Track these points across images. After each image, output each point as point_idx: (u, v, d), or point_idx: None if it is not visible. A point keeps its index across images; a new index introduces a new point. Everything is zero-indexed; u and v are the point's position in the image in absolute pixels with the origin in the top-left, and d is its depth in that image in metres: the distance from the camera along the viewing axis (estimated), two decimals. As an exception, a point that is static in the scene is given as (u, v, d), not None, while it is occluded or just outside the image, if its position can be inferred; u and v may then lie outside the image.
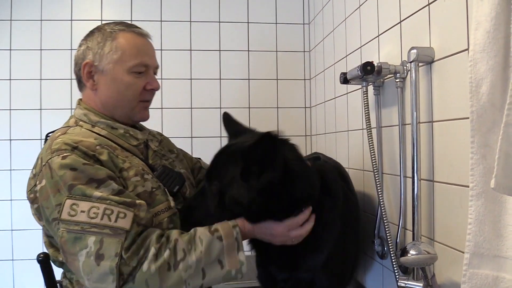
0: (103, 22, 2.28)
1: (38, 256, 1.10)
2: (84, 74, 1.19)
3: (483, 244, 0.77)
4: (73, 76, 1.27)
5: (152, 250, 0.97)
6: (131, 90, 1.20)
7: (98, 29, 1.22)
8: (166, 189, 1.18)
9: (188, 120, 2.36)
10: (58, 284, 1.18)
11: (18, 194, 2.24)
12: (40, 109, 2.28)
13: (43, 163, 1.04)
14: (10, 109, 2.26)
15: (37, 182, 1.04)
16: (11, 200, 2.25)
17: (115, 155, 1.12)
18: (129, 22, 2.30)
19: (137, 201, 1.04)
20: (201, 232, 1.03)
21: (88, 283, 0.97)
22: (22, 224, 2.25)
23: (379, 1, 1.48)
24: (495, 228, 0.76)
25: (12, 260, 2.25)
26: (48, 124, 2.26)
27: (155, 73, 1.29)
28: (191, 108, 2.37)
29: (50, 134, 1.18)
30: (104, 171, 1.04)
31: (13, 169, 2.26)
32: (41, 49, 2.28)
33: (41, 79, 2.28)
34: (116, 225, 0.97)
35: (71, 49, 2.28)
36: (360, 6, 1.66)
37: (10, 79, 2.27)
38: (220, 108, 2.39)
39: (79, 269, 0.96)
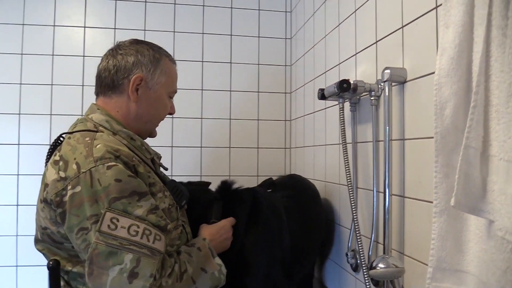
0: (86, 29, 2.30)
1: (49, 262, 1.05)
2: (133, 85, 1.18)
3: (445, 259, 0.81)
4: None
5: (169, 268, 1.03)
6: (165, 111, 1.30)
7: (145, 46, 1.24)
8: (177, 206, 1.22)
9: (168, 129, 2.37)
10: None
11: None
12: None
13: (83, 170, 1.00)
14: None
15: (69, 187, 0.99)
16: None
17: (144, 168, 1.13)
18: (112, 30, 2.33)
19: (167, 226, 1.08)
20: (186, 248, 1.16)
21: None
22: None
23: (357, 21, 1.53)
24: (456, 243, 0.80)
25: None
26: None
27: None
28: (172, 118, 2.38)
29: (64, 135, 1.16)
30: (144, 184, 1.05)
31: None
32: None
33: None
34: (154, 246, 0.99)
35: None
36: (339, 24, 1.71)
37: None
38: (201, 118, 2.41)
39: (105, 284, 0.95)
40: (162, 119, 1.31)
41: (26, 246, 2.23)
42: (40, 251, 1.14)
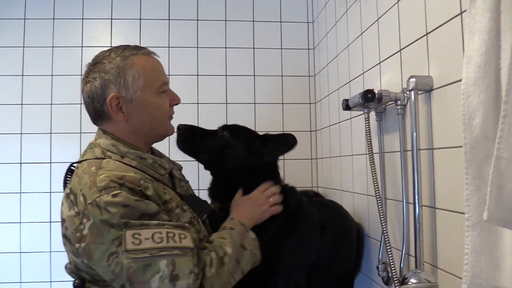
0: (113, 49, 2.37)
1: (74, 281, 1.08)
2: (112, 108, 1.12)
3: (480, 274, 0.78)
4: (83, 101, 1.30)
5: (207, 258, 1.05)
6: (162, 110, 1.22)
7: (104, 58, 1.15)
8: (198, 218, 1.22)
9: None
10: None
11: (27, 217, 2.30)
12: (50, 133, 2.34)
13: (89, 201, 1.00)
14: (21, 133, 2.32)
15: (84, 221, 1.00)
16: (20, 222, 2.30)
17: (157, 187, 1.12)
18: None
19: (186, 224, 1.09)
20: (217, 233, 1.17)
21: None
22: (31, 247, 2.29)
23: (380, 29, 1.51)
24: (491, 258, 0.77)
25: (20, 282, 2.28)
26: (57, 148, 2.33)
27: None
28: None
29: (74, 165, 1.15)
30: (154, 205, 1.05)
31: (23, 192, 2.31)
32: (52, 75, 2.36)
33: (51, 104, 2.35)
34: (182, 245, 1.01)
35: (81, 75, 2.34)
36: (362, 33, 1.70)
37: (21, 104, 2.33)
38: (226, 131, 2.43)
39: None
40: (165, 118, 1.25)
41: (60, 262, 2.28)
42: (69, 274, 1.16)
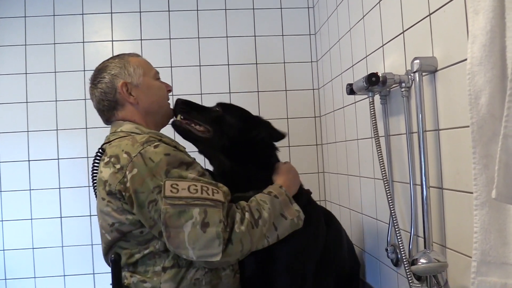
0: (114, 43, 2.38)
1: (111, 256, 1.16)
2: (124, 93, 1.33)
3: (489, 252, 0.78)
4: (87, 96, 1.43)
5: (238, 216, 1.15)
6: (162, 91, 1.44)
7: (108, 62, 1.39)
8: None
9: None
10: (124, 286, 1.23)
11: (38, 213, 2.33)
12: (56, 129, 2.35)
13: (134, 155, 1.15)
14: (27, 131, 2.34)
15: (127, 173, 1.14)
16: (31, 219, 2.33)
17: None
18: (139, 41, 2.39)
19: (219, 184, 1.21)
20: (261, 196, 1.25)
21: (192, 252, 1.09)
22: (43, 242, 2.32)
23: (382, 12, 1.50)
24: (501, 236, 0.77)
25: (34, 277, 2.32)
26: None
27: None
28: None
29: (104, 145, 1.30)
30: (189, 156, 1.24)
31: (32, 189, 2.33)
32: (55, 72, 2.36)
33: (56, 101, 2.36)
34: (214, 197, 1.13)
35: (84, 70, 2.36)
36: (363, 16, 1.69)
37: (26, 102, 2.35)
38: (231, 121, 2.43)
39: (183, 241, 1.09)
40: (166, 98, 1.45)
41: (72, 256, 2.33)
42: (107, 261, 1.26)
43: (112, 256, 1.16)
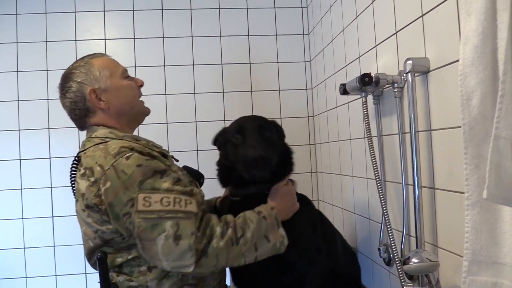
0: (107, 41, 2.37)
1: (97, 254, 1.17)
2: (94, 99, 1.31)
3: (480, 251, 0.79)
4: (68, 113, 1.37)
5: (218, 230, 1.14)
6: (133, 90, 1.40)
7: (72, 69, 1.35)
8: (196, 183, 1.37)
9: (193, 134, 2.40)
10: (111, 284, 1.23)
11: (30, 212, 2.31)
12: (48, 128, 2.33)
13: (107, 168, 1.14)
14: (19, 130, 2.32)
15: (101, 186, 1.14)
16: (22, 218, 2.31)
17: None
18: (132, 39, 2.38)
19: (193, 190, 1.20)
20: (250, 214, 1.23)
21: (166, 263, 1.10)
22: (35, 242, 2.30)
23: (375, 12, 1.51)
24: (491, 235, 0.78)
25: (26, 277, 2.30)
26: (56, 143, 2.33)
27: None
28: (196, 121, 2.41)
29: (80, 154, 1.28)
30: (162, 164, 1.21)
31: (24, 188, 2.31)
32: (47, 70, 2.34)
33: (48, 99, 2.34)
34: (187, 209, 1.13)
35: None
36: (357, 16, 1.69)
37: (18, 100, 2.32)
38: (224, 120, 2.43)
39: (157, 253, 1.09)
40: (139, 96, 1.43)
41: (64, 256, 2.31)
42: (90, 263, 1.27)
43: (99, 254, 1.17)
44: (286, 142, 1.48)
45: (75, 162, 1.29)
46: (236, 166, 1.30)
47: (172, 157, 1.46)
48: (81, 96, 1.31)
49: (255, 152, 1.22)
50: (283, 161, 1.39)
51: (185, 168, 1.40)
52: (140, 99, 1.45)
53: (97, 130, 1.32)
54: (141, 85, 1.46)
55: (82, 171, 1.20)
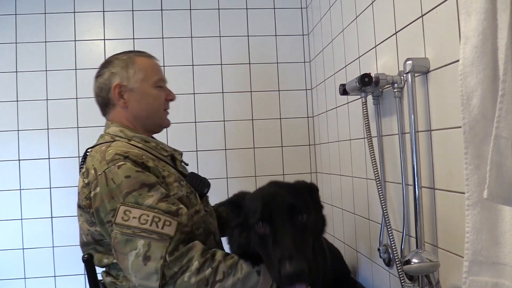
0: (106, 41, 2.36)
1: (83, 256, 1.19)
2: (116, 94, 1.34)
3: (481, 251, 0.79)
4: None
5: (196, 264, 1.07)
6: (158, 101, 1.40)
7: (114, 58, 1.38)
8: (197, 194, 1.34)
9: (193, 134, 2.40)
10: (100, 284, 1.25)
11: (28, 213, 2.30)
12: (47, 129, 2.33)
13: (99, 173, 1.15)
14: (18, 130, 2.31)
15: (92, 190, 1.16)
16: (21, 219, 2.30)
17: (157, 164, 1.25)
18: (131, 40, 2.38)
19: (180, 210, 1.15)
20: (241, 263, 1.10)
21: (135, 279, 1.09)
22: (33, 243, 2.29)
23: (375, 12, 1.51)
24: (492, 236, 0.78)
25: (25, 278, 2.29)
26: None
27: None
28: (195, 122, 2.40)
29: (89, 150, 1.31)
30: (153, 177, 1.18)
31: (23, 189, 2.31)
32: (46, 70, 2.34)
33: (47, 100, 2.33)
34: (162, 231, 1.09)
35: (76, 69, 2.34)
36: (356, 17, 1.69)
37: (17, 101, 2.32)
38: (224, 121, 2.43)
39: (128, 267, 1.08)
40: (162, 109, 1.42)
41: (63, 256, 2.31)
42: (84, 253, 1.25)
43: (85, 256, 1.18)
44: (324, 214, 1.21)
45: (83, 158, 1.32)
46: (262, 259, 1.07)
47: (182, 161, 1.46)
48: (107, 86, 1.35)
49: (292, 266, 0.93)
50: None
51: (190, 176, 1.37)
52: (168, 111, 1.45)
53: (110, 127, 1.35)
54: (171, 99, 1.45)
55: (83, 170, 1.23)
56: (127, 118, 1.36)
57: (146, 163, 1.20)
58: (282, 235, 0.99)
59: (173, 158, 1.42)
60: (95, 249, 1.24)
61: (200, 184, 1.37)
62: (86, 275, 1.21)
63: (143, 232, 1.08)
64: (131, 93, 1.34)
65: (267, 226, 1.02)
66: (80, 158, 1.32)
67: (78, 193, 1.22)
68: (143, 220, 1.09)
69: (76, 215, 1.28)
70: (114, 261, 1.18)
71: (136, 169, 1.16)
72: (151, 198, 1.12)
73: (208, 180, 1.42)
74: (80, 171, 1.29)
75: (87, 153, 1.30)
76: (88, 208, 1.17)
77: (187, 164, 1.49)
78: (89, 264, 1.19)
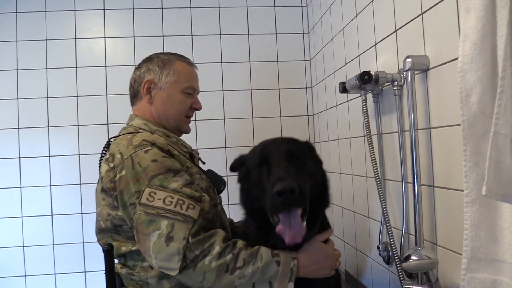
0: (106, 39, 2.36)
1: (104, 246, 1.20)
2: (144, 89, 1.41)
3: (480, 248, 0.79)
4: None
5: (217, 248, 1.09)
6: (181, 106, 1.45)
7: (155, 55, 1.46)
8: (215, 189, 1.39)
9: (193, 132, 2.40)
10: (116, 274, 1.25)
11: (29, 210, 2.30)
12: (48, 126, 2.33)
13: (125, 157, 1.19)
14: (18, 128, 2.31)
15: (117, 173, 1.19)
16: (22, 217, 2.30)
17: (180, 154, 1.31)
18: (132, 38, 2.37)
19: (203, 197, 1.19)
20: (264, 250, 1.13)
21: (155, 261, 1.10)
22: (34, 240, 2.30)
23: (375, 11, 1.51)
24: (491, 233, 0.78)
25: (25, 276, 2.29)
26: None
27: None
28: (196, 120, 2.40)
29: (112, 139, 1.36)
30: (178, 164, 1.23)
31: (23, 187, 2.31)
32: (46, 68, 2.34)
33: (47, 97, 2.33)
34: (186, 213, 1.12)
35: (76, 67, 2.34)
36: (357, 15, 1.69)
37: (17, 99, 2.32)
38: (224, 119, 2.43)
39: (149, 249, 1.10)
40: (185, 115, 1.46)
41: (63, 254, 2.31)
42: (99, 242, 1.29)
43: (105, 246, 1.19)
44: (324, 169, 1.24)
45: (106, 146, 1.38)
46: (261, 206, 1.09)
47: (199, 159, 1.50)
48: (140, 79, 1.42)
49: (281, 184, 0.94)
50: (319, 194, 1.15)
51: (208, 172, 1.41)
52: (189, 116, 1.49)
53: (134, 120, 1.41)
54: (195, 108, 1.50)
55: (107, 156, 1.27)
56: (151, 113, 1.42)
57: (172, 151, 1.26)
58: (277, 168, 1.03)
59: (192, 155, 1.45)
60: (112, 237, 1.26)
61: (217, 181, 1.41)
62: (104, 264, 1.20)
63: (167, 212, 1.11)
64: (159, 91, 1.41)
65: (264, 168, 1.09)
66: (103, 147, 1.38)
67: (102, 177, 1.25)
68: (167, 201, 1.12)
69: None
70: (133, 248, 1.20)
71: (162, 154, 1.20)
72: (176, 183, 1.16)
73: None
74: (100, 160, 1.34)
75: (110, 142, 1.35)
76: (112, 190, 1.20)
77: (204, 163, 1.52)
78: (109, 254, 1.20)
